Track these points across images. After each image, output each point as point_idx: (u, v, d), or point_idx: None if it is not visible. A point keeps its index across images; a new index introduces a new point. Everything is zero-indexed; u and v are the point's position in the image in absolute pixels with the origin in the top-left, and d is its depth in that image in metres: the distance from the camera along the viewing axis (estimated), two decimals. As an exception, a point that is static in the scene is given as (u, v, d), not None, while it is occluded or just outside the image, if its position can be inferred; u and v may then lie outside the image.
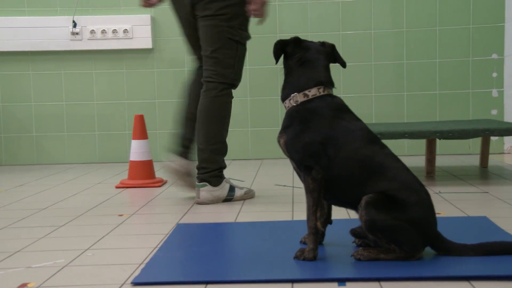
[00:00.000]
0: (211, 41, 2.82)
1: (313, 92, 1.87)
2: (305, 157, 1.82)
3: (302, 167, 1.83)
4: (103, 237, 2.25)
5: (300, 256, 1.82)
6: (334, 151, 1.80)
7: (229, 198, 2.89)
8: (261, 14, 2.79)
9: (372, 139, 1.84)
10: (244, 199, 2.92)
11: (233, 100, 2.97)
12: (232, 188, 2.91)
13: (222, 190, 2.86)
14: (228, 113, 2.91)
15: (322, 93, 1.87)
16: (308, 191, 1.82)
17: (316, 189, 1.80)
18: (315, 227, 1.82)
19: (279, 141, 1.92)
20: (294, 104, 1.88)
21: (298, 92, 1.88)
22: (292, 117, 1.88)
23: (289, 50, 1.93)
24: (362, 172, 1.79)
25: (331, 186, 1.82)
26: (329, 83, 1.90)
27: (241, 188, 2.96)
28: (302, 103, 1.87)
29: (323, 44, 1.95)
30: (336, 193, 1.84)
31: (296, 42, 1.93)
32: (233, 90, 2.94)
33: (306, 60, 1.90)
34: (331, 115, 1.84)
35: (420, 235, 1.76)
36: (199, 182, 2.85)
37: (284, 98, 1.92)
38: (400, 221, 1.73)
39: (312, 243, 1.82)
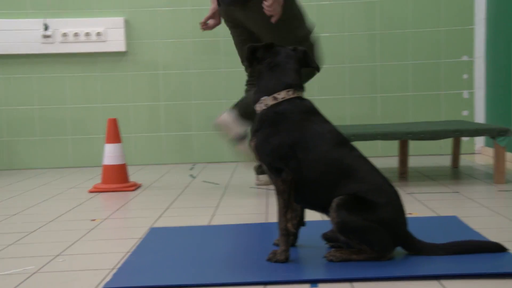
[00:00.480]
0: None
1: (282, 95, 1.88)
2: (274, 159, 1.83)
3: (272, 170, 1.84)
4: (75, 242, 2.23)
5: (272, 258, 1.83)
6: (303, 154, 1.82)
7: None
8: (273, 11, 2.90)
9: (341, 141, 1.85)
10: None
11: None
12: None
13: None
14: None
15: (291, 96, 1.89)
16: (279, 193, 1.83)
17: (286, 191, 1.82)
18: (286, 229, 1.83)
19: (250, 145, 1.93)
20: (264, 108, 1.89)
21: (268, 95, 1.89)
22: (262, 121, 1.89)
23: (259, 54, 1.94)
24: (331, 175, 1.80)
25: (302, 188, 1.83)
26: (298, 86, 1.92)
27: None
28: (272, 106, 1.88)
29: (294, 49, 1.96)
30: (306, 195, 1.85)
31: (267, 47, 1.94)
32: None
33: (275, 64, 1.91)
34: (300, 118, 1.86)
35: (391, 236, 1.78)
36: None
37: (254, 102, 1.93)
38: (371, 222, 1.75)
39: (283, 245, 1.83)
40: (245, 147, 3.06)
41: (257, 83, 1.95)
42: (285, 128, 1.84)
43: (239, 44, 3.24)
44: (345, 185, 1.79)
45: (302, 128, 1.84)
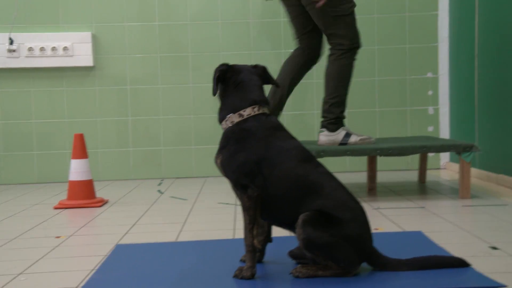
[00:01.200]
0: (322, 23, 3.34)
1: (247, 112, 1.89)
2: (240, 176, 1.83)
3: (238, 186, 1.84)
4: (38, 260, 2.19)
5: (238, 275, 1.82)
6: (269, 170, 1.82)
7: (344, 142, 3.32)
8: None
9: (306, 157, 1.87)
10: (360, 144, 3.31)
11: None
12: (347, 134, 3.34)
13: (337, 135, 3.33)
14: (346, 73, 3.36)
15: (256, 112, 1.90)
16: (245, 209, 1.83)
17: (252, 207, 1.82)
18: (252, 245, 1.82)
19: (216, 161, 1.93)
20: (230, 125, 1.90)
21: (234, 112, 1.90)
22: (227, 138, 1.90)
23: (227, 75, 1.95)
24: (297, 191, 1.81)
25: (268, 205, 1.84)
26: (263, 102, 1.93)
27: (359, 135, 3.37)
28: (238, 123, 1.89)
29: (255, 66, 1.99)
30: (273, 212, 1.85)
31: (229, 67, 1.96)
32: (354, 52, 3.38)
33: (239, 82, 1.93)
34: (265, 134, 1.87)
35: (356, 251, 1.79)
36: (321, 128, 3.39)
37: (221, 119, 1.94)
38: (337, 238, 1.76)
39: (250, 261, 1.82)
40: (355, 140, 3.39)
41: (222, 101, 1.96)
42: (250, 145, 1.85)
43: (293, 20, 3.49)
44: (311, 202, 1.79)
45: (268, 144, 1.85)
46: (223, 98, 1.96)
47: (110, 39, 4.63)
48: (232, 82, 1.94)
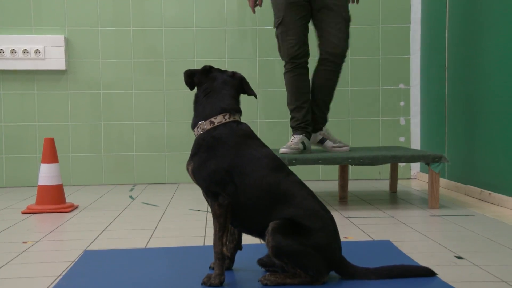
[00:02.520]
0: None
1: (218, 119, 1.90)
2: (211, 184, 1.84)
3: (210, 194, 1.84)
4: (3, 266, 2.15)
5: (207, 282, 1.82)
6: (239, 178, 1.83)
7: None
8: None
9: (277, 166, 1.87)
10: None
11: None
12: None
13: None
14: (290, 85, 3.50)
15: (227, 120, 1.90)
16: (215, 216, 1.83)
17: (223, 215, 1.82)
18: (222, 253, 1.82)
19: (187, 169, 1.93)
20: (201, 132, 1.90)
21: (205, 120, 1.91)
22: (199, 145, 1.90)
23: (196, 80, 1.97)
24: (267, 200, 1.82)
25: (238, 213, 1.84)
26: (235, 110, 1.94)
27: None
28: (208, 130, 1.90)
29: (232, 75, 1.99)
30: (243, 220, 1.86)
31: (204, 72, 1.97)
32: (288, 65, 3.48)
33: (211, 90, 1.94)
34: (236, 142, 1.87)
35: (325, 260, 1.80)
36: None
37: (193, 126, 1.95)
38: (305, 246, 1.77)
39: (218, 269, 1.82)
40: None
41: (195, 108, 1.97)
42: (221, 153, 1.85)
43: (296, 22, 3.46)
44: (281, 210, 1.80)
45: (239, 152, 1.86)
46: (195, 104, 1.97)
47: (84, 43, 4.59)
48: (203, 89, 1.95)
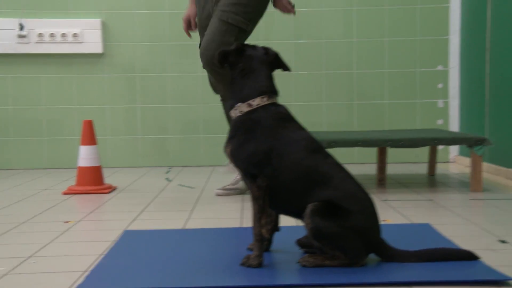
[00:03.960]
0: None
1: (256, 102, 1.88)
2: (249, 166, 1.83)
3: (248, 175, 1.84)
4: (47, 244, 2.20)
5: (245, 263, 1.83)
6: (278, 160, 1.82)
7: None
8: None
9: (315, 148, 1.86)
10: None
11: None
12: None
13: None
14: None
15: (265, 103, 1.89)
16: (254, 198, 1.83)
17: (261, 197, 1.82)
18: (260, 234, 1.83)
19: (225, 151, 1.92)
20: (239, 114, 1.90)
21: (242, 102, 1.90)
22: (237, 127, 1.89)
23: (231, 59, 1.94)
24: (306, 182, 1.81)
25: (276, 194, 1.84)
26: (273, 92, 1.92)
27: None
28: (247, 113, 1.88)
29: (266, 52, 1.96)
30: (281, 201, 1.86)
31: (238, 51, 1.94)
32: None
33: (249, 71, 1.91)
34: (274, 124, 1.86)
35: (364, 242, 1.79)
36: None
37: (230, 108, 1.93)
38: (344, 228, 1.76)
39: (257, 250, 1.83)
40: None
41: (232, 89, 1.94)
42: (259, 135, 1.84)
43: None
44: (320, 192, 1.79)
45: (277, 135, 1.84)
46: (232, 85, 1.94)
47: (120, 27, 4.62)
48: (240, 70, 1.92)
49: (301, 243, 1.97)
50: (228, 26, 2.99)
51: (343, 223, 1.76)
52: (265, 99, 1.89)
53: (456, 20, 4.60)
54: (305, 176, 1.81)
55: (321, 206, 1.77)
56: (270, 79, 1.94)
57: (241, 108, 1.89)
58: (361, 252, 1.80)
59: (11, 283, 1.75)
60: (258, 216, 1.83)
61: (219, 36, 2.97)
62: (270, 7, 3.21)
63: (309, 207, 1.78)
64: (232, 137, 1.90)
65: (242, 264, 1.83)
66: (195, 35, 3.42)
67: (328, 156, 1.88)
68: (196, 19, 3.26)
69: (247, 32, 3.07)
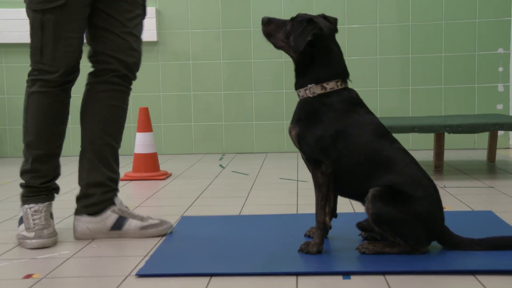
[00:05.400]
0: None
1: (331, 86, 1.82)
2: (315, 151, 1.80)
3: (312, 161, 1.82)
4: (108, 229, 2.25)
5: (304, 249, 1.82)
6: (344, 143, 1.78)
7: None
8: None
9: (382, 133, 1.82)
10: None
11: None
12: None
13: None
14: (25, 108, 2.10)
15: (339, 87, 1.83)
16: (317, 185, 1.81)
17: (325, 184, 1.79)
18: (324, 223, 1.81)
19: (290, 132, 1.87)
20: (310, 96, 1.83)
21: (316, 83, 1.82)
22: (306, 110, 1.83)
23: (313, 36, 1.76)
24: (370, 165, 1.78)
25: (340, 177, 1.81)
26: (346, 76, 1.85)
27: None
28: (319, 96, 1.82)
29: (334, 23, 1.84)
30: (344, 184, 1.83)
31: (321, 34, 1.78)
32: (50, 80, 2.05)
33: (327, 51, 1.81)
34: (345, 109, 1.81)
35: (426, 229, 1.75)
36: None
37: (299, 86, 1.84)
38: (406, 214, 1.73)
39: (318, 238, 1.81)
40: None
41: (303, 67, 1.82)
42: (330, 120, 1.79)
43: None
44: (383, 176, 1.76)
45: (347, 119, 1.79)
46: (304, 64, 1.82)
47: (174, 14, 4.66)
48: (318, 49, 1.80)
49: (361, 226, 1.95)
50: None
51: (405, 209, 1.72)
52: (339, 83, 1.83)
53: (518, 0, 4.42)
54: (369, 159, 1.77)
55: (383, 191, 1.74)
56: (343, 60, 1.85)
57: (313, 90, 1.82)
58: (423, 239, 1.76)
59: (75, 267, 1.80)
60: (322, 204, 1.80)
61: None
62: None
63: (371, 191, 1.75)
64: (299, 120, 1.83)
65: (301, 250, 1.82)
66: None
67: (395, 141, 1.84)
68: None
69: None
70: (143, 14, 2.25)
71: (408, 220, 1.73)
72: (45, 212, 2.07)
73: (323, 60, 1.82)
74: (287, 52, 1.86)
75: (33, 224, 2.02)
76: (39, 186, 2.09)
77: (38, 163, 2.09)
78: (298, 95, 1.86)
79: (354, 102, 1.84)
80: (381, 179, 1.76)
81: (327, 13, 1.94)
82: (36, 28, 1.99)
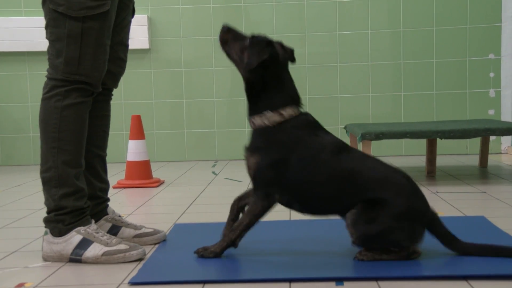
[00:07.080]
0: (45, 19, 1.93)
1: (289, 112, 1.79)
2: (268, 185, 1.78)
3: (262, 193, 1.79)
4: (100, 237, 2.24)
5: (199, 253, 1.86)
6: (308, 170, 1.76)
7: (76, 258, 1.88)
8: None
9: (340, 149, 1.80)
10: (105, 261, 1.87)
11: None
12: (85, 241, 1.88)
13: (65, 243, 1.89)
14: (55, 124, 1.91)
15: (297, 113, 1.80)
16: (253, 214, 1.82)
17: (261, 215, 1.82)
18: (234, 242, 1.86)
19: (247, 158, 1.81)
20: (268, 124, 1.78)
21: (271, 110, 1.78)
22: (267, 139, 1.78)
23: (268, 58, 1.75)
24: (337, 183, 1.77)
25: (313, 202, 1.82)
26: (299, 100, 1.83)
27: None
28: (279, 124, 1.77)
29: (289, 53, 1.83)
30: (316, 207, 1.84)
31: (276, 55, 1.78)
32: (86, 91, 1.94)
33: (282, 78, 1.79)
34: (306, 134, 1.78)
35: (413, 224, 1.75)
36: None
37: (254, 112, 1.79)
38: (389, 222, 1.72)
39: (219, 248, 1.86)
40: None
41: (256, 93, 1.79)
42: (290, 148, 1.77)
43: None
44: (352, 190, 1.76)
45: (310, 143, 1.78)
46: (255, 88, 1.79)
47: (166, 22, 4.66)
48: (270, 74, 1.77)
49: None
50: None
51: (386, 218, 1.72)
52: (295, 110, 1.80)
53: (509, 6, 4.45)
54: (334, 178, 1.76)
55: (359, 213, 1.74)
56: (295, 86, 1.83)
57: (272, 118, 1.78)
58: (413, 236, 1.75)
59: (68, 275, 1.79)
60: (246, 229, 1.84)
61: None
62: None
63: (348, 217, 1.75)
64: (259, 148, 1.79)
65: (197, 253, 1.87)
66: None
67: (351, 150, 1.83)
68: None
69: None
70: (131, 19, 2.23)
71: (393, 227, 1.72)
72: (101, 228, 2.01)
73: (275, 86, 1.79)
74: (238, 67, 1.81)
75: (108, 238, 1.89)
76: (83, 207, 1.92)
77: (80, 181, 1.92)
78: (253, 123, 1.80)
79: (313, 126, 1.81)
80: (352, 193, 1.75)
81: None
82: (74, 37, 1.85)
